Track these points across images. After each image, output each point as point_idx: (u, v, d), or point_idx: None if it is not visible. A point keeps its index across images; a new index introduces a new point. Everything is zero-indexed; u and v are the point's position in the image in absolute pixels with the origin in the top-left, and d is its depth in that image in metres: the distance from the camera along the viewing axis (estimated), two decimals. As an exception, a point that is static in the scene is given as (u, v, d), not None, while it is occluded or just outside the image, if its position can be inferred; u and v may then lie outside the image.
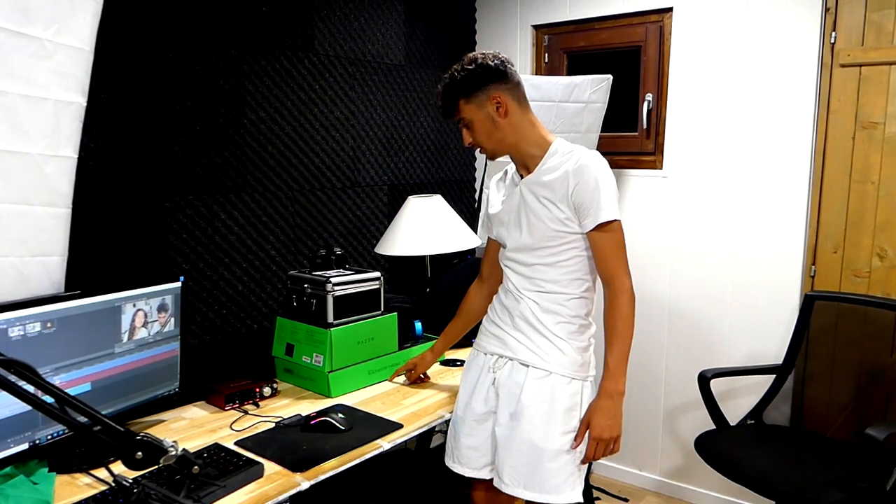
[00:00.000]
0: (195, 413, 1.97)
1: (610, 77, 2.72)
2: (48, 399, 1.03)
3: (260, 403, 2.03)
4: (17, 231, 1.52)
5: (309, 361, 2.13)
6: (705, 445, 2.30)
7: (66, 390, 1.09)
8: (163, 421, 1.90)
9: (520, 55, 3.18)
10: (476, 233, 2.70)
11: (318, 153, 2.54)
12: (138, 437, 1.07)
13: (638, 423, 3.03)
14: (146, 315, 1.78)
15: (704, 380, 2.42)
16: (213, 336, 2.23)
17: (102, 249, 1.91)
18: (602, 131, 2.82)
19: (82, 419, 1.06)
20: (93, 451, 1.60)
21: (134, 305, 1.75)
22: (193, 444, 1.71)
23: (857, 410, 2.36)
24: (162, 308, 1.83)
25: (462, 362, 2.36)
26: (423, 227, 2.47)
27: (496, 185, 1.86)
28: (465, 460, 1.82)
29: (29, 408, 1.45)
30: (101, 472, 1.55)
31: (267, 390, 2.06)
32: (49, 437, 1.57)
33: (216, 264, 2.23)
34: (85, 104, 1.60)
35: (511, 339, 1.74)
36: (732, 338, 2.74)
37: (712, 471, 2.24)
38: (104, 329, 1.68)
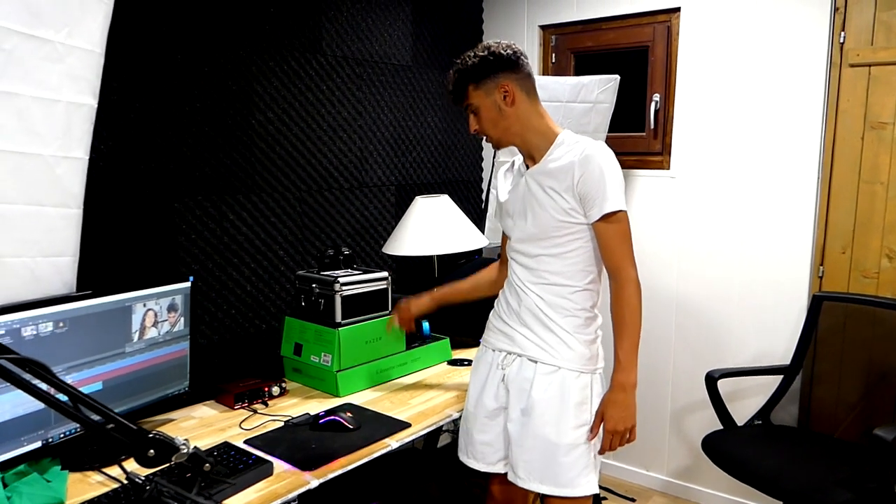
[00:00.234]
0: (205, 412, 1.98)
1: (617, 77, 2.72)
2: (62, 397, 1.05)
3: (269, 403, 2.04)
4: (30, 232, 1.54)
5: (317, 361, 2.14)
6: (713, 445, 2.30)
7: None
8: (172, 420, 1.91)
9: (527, 55, 3.17)
10: (483, 233, 2.71)
11: (326, 154, 2.55)
12: (151, 435, 1.08)
13: (645, 423, 3.03)
14: (156, 315, 1.80)
15: (712, 380, 2.42)
16: (222, 336, 2.25)
17: (113, 250, 1.93)
18: (609, 131, 2.82)
19: (95, 417, 1.07)
20: (104, 449, 1.62)
21: (144, 305, 1.76)
22: (203, 443, 1.72)
23: (866, 411, 2.35)
24: (172, 308, 1.84)
25: (469, 362, 2.37)
26: (431, 228, 2.48)
27: (504, 175, 1.86)
28: (480, 456, 1.83)
29: (42, 406, 1.47)
30: (113, 470, 1.57)
31: (276, 389, 2.08)
32: (61, 435, 1.58)
33: (225, 264, 2.24)
34: (96, 106, 1.61)
35: (518, 335, 1.74)
36: (740, 338, 2.74)
37: (719, 471, 2.24)
38: (115, 329, 1.70)
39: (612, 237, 1.63)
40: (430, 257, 2.67)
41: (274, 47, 2.33)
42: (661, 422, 2.99)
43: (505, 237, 1.93)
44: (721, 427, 2.43)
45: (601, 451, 1.68)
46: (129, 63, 1.92)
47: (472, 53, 1.67)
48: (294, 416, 1.92)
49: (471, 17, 3.24)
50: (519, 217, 1.74)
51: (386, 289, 2.27)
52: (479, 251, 2.76)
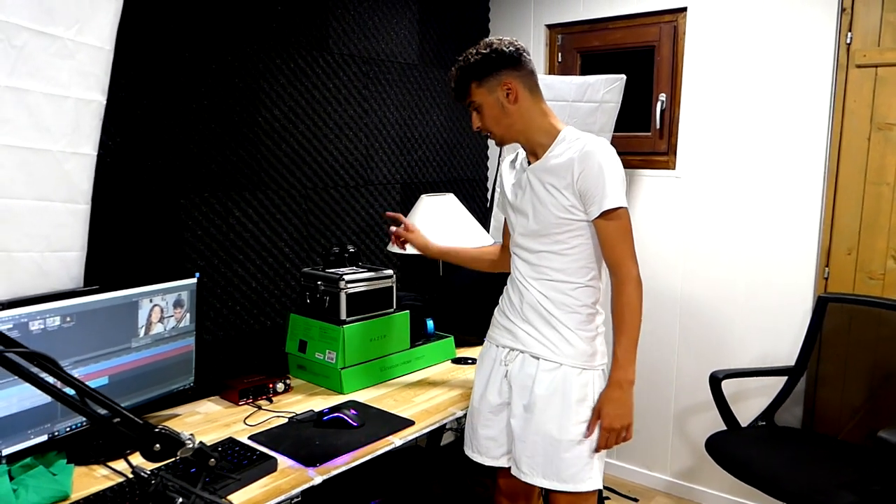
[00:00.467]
0: (209, 408, 1.99)
1: (623, 77, 2.72)
2: (69, 391, 1.06)
3: (273, 399, 2.05)
4: (38, 227, 1.55)
5: (322, 358, 2.15)
6: (716, 446, 2.30)
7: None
8: (178, 415, 1.92)
9: (533, 54, 3.12)
10: (488, 231, 2.71)
11: (332, 151, 2.56)
12: (157, 430, 1.09)
13: (648, 424, 3.03)
14: (162, 310, 1.81)
15: (716, 380, 2.41)
16: (227, 332, 2.26)
17: (120, 245, 1.94)
18: (615, 131, 2.81)
19: (102, 412, 1.08)
20: (110, 443, 1.63)
21: (151, 301, 1.77)
22: (208, 438, 1.73)
23: (870, 413, 2.34)
24: (178, 304, 1.85)
25: (473, 360, 2.37)
26: (436, 226, 2.48)
27: (508, 168, 1.87)
28: (484, 450, 1.84)
29: (48, 400, 1.48)
30: (118, 464, 1.58)
31: (280, 386, 2.08)
32: (68, 429, 1.59)
33: (230, 261, 2.25)
34: (105, 102, 1.62)
35: (521, 331, 1.75)
36: (744, 339, 2.73)
37: (722, 472, 2.24)
38: (121, 324, 1.71)
39: (612, 234, 1.63)
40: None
41: (281, 45, 2.34)
42: (665, 422, 2.99)
43: (507, 227, 1.93)
44: (724, 428, 2.43)
45: (597, 449, 1.67)
46: (138, 60, 1.93)
47: (475, 51, 1.67)
48: (298, 412, 1.92)
49: (477, 16, 3.24)
50: (521, 213, 1.75)
51: (391, 287, 2.28)
52: (484, 250, 2.75)
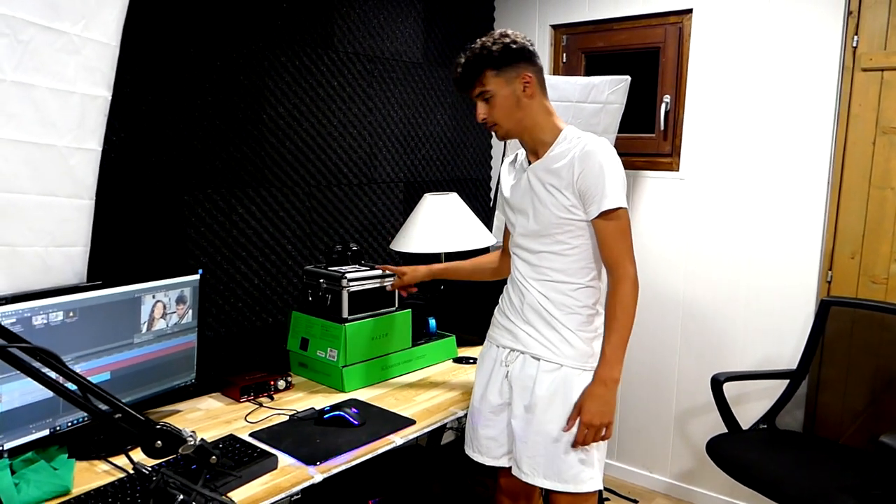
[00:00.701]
0: (211, 404, 2.00)
1: (628, 78, 2.71)
2: (71, 386, 1.06)
3: (274, 396, 2.05)
4: (42, 222, 1.55)
5: (323, 356, 2.15)
6: (717, 449, 2.29)
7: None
8: (179, 411, 1.93)
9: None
10: (491, 231, 2.71)
11: (336, 149, 2.56)
12: (158, 427, 1.09)
13: (649, 425, 3.02)
14: (165, 307, 1.81)
15: (717, 383, 2.41)
16: (229, 329, 2.26)
17: (124, 241, 1.94)
18: (619, 132, 2.81)
19: (104, 407, 1.08)
20: (111, 438, 1.63)
21: (153, 297, 1.77)
22: (209, 435, 1.73)
23: (872, 417, 2.34)
24: (180, 300, 1.85)
25: (474, 360, 2.37)
26: (439, 225, 2.48)
27: (507, 169, 1.86)
28: (485, 450, 1.84)
29: (50, 395, 1.48)
30: (119, 460, 1.58)
31: (281, 383, 2.08)
32: (69, 424, 1.60)
33: (233, 258, 2.25)
34: (110, 98, 1.63)
35: (521, 332, 1.75)
36: (746, 342, 2.73)
37: (723, 474, 2.23)
38: (124, 319, 1.71)
39: (610, 234, 1.62)
40: (438, 255, 2.67)
41: (286, 43, 2.34)
42: (665, 424, 2.98)
43: (507, 231, 1.93)
44: (725, 430, 2.43)
45: (574, 445, 1.65)
46: (143, 56, 1.93)
47: (492, 39, 1.63)
48: (299, 410, 1.93)
49: (482, 15, 3.23)
50: (521, 213, 1.74)
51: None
52: (487, 249, 2.75)
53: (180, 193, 2.09)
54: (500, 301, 1.88)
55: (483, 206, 3.32)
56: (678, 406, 2.95)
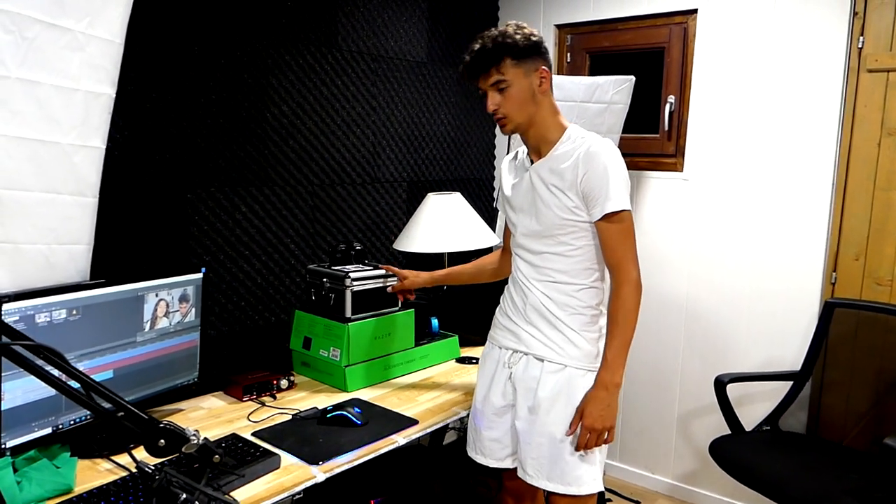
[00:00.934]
0: (213, 403, 1.99)
1: (632, 78, 2.71)
2: (74, 384, 1.05)
3: (277, 395, 2.05)
4: (46, 219, 1.55)
5: (326, 355, 2.14)
6: (720, 450, 2.29)
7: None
8: (181, 410, 1.92)
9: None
10: (494, 231, 2.70)
11: (339, 148, 2.55)
12: (162, 425, 1.09)
13: (652, 426, 3.02)
14: (168, 305, 1.81)
15: (721, 384, 2.41)
16: (231, 328, 2.26)
17: (127, 239, 1.94)
18: (623, 132, 2.81)
19: (106, 405, 1.08)
20: (114, 437, 1.63)
21: (156, 295, 1.77)
22: (211, 434, 1.73)
23: (876, 420, 2.33)
24: (183, 298, 1.85)
25: (476, 360, 2.37)
26: (442, 225, 2.48)
27: (508, 165, 1.85)
28: (488, 452, 1.83)
29: (53, 393, 1.48)
30: (122, 458, 1.58)
31: (284, 383, 2.08)
32: (72, 422, 1.59)
33: (236, 257, 2.25)
34: (114, 96, 1.62)
35: (524, 333, 1.74)
36: (750, 343, 2.72)
37: (725, 476, 2.23)
38: (127, 318, 1.71)
39: (613, 236, 1.61)
40: (441, 254, 2.66)
41: (290, 41, 2.33)
42: (668, 425, 2.98)
43: (508, 228, 1.91)
44: (728, 432, 2.42)
45: (576, 448, 1.65)
46: (147, 54, 1.93)
47: (512, 28, 1.61)
48: (302, 409, 1.92)
49: (486, 14, 3.23)
50: (523, 213, 1.73)
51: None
52: (490, 249, 2.75)
53: (184, 192, 2.09)
54: (501, 301, 1.87)
55: (486, 205, 3.31)
56: (681, 407, 2.94)
